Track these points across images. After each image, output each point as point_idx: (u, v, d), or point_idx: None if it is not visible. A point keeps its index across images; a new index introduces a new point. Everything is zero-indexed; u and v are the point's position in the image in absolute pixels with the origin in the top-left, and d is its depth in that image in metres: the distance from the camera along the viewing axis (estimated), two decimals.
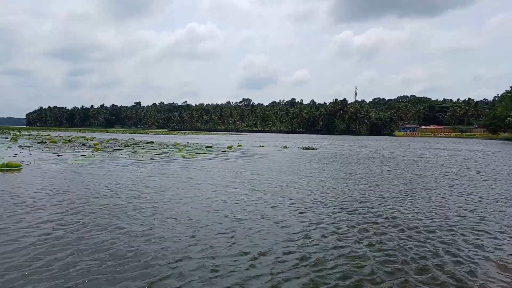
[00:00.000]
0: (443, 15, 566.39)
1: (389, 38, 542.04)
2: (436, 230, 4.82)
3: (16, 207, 5.48)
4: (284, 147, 26.15)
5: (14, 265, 3.31)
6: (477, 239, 4.51)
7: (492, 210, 6.12)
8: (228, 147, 23.70)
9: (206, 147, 23.59)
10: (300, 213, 5.61)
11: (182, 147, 22.29)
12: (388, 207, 6.22)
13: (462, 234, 4.65)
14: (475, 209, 6.21)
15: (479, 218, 5.56)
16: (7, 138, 30.40)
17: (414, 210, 6.04)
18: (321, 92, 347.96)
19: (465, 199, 7.09)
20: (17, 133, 46.87)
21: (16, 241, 3.93)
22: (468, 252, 4.01)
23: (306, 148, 24.86)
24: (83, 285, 2.96)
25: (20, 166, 10.37)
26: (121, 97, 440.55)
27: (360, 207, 6.12)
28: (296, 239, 4.32)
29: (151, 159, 14.15)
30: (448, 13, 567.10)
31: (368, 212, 5.79)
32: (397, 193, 7.69)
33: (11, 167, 9.94)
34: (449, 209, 6.14)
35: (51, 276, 3.10)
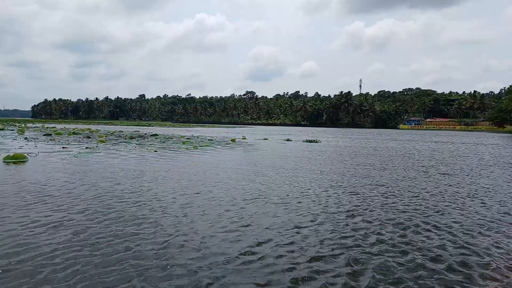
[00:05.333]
0: (455, 6, 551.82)
1: (400, 29, 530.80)
2: None
3: (22, 197, 5.60)
4: (288, 140, 26.21)
5: (30, 254, 3.42)
6: None
7: None
8: (231, 140, 23.78)
9: (209, 139, 23.69)
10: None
11: (186, 140, 22.40)
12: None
13: None
14: None
15: None
16: (13, 130, 30.72)
17: None
18: (329, 84, 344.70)
19: None
20: (23, 125, 47.28)
21: (27, 231, 4.05)
22: None
23: (310, 141, 24.89)
24: (94, 272, 3.06)
25: (26, 158, 10.52)
26: (127, 89, 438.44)
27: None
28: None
29: (155, 151, 14.27)
30: (460, 3, 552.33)
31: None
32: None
33: (18, 159, 10.10)
34: None
35: (64, 265, 3.21)
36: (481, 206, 5.91)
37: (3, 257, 3.29)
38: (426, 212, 5.43)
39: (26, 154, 11.05)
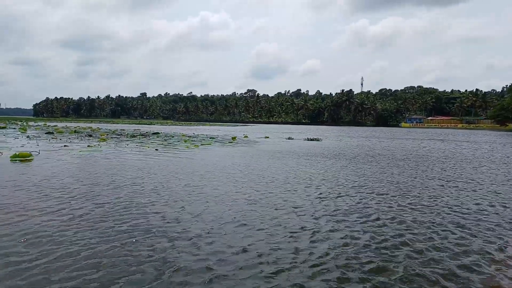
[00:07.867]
0: (461, 3, 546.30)
1: (404, 27, 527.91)
2: None
3: (33, 194, 5.66)
4: (290, 138, 26.26)
5: (42, 250, 3.48)
6: None
7: None
8: (232, 138, 23.83)
9: (210, 138, 23.75)
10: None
11: (188, 138, 22.46)
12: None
13: None
14: None
15: None
16: (14, 128, 30.84)
17: None
18: (330, 82, 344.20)
19: None
20: (25, 123, 47.42)
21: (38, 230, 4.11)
22: None
23: (311, 140, 24.92)
24: (99, 272, 3.12)
25: (32, 156, 10.61)
26: (128, 87, 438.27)
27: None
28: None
29: (156, 149, 14.33)
30: (465, 0, 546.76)
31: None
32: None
33: (24, 157, 10.21)
34: None
35: (72, 262, 3.27)
36: None
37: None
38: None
39: (30, 153, 11.13)
